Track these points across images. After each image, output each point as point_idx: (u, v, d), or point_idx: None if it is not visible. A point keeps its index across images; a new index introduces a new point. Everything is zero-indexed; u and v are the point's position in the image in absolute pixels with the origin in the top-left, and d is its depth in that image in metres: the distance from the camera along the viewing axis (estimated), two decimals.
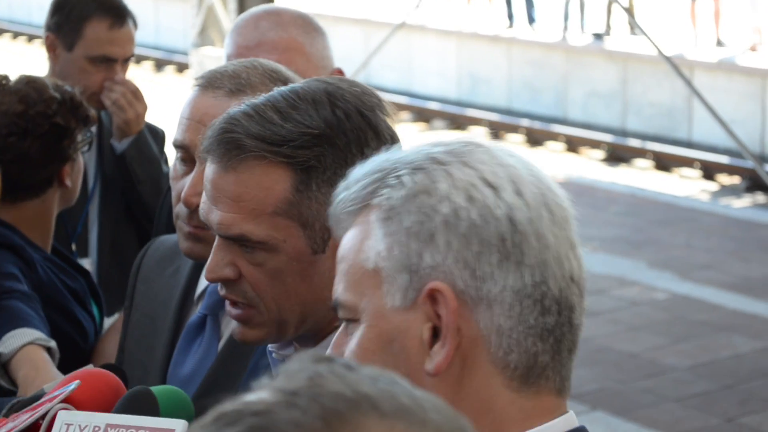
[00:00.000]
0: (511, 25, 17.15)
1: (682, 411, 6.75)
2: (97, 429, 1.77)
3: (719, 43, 15.33)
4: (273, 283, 1.94)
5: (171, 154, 4.15)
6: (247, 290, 1.95)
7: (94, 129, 3.92)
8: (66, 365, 2.78)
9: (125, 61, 4.01)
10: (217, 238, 1.97)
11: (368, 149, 1.87)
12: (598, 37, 16.24)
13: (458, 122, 15.22)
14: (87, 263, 3.71)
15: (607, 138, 14.22)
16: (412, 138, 12.19)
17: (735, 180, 12.69)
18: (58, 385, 1.93)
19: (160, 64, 19.07)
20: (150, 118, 4.11)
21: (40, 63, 4.21)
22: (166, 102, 12.74)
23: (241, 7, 11.43)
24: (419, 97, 16.51)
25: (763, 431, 6.52)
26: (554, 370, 1.45)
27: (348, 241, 1.49)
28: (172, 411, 1.88)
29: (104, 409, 1.85)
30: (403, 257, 1.42)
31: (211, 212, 1.95)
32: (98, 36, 3.95)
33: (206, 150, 1.95)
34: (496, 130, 14.78)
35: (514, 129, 14.83)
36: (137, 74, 15.41)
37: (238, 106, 1.95)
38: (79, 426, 1.79)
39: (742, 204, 11.98)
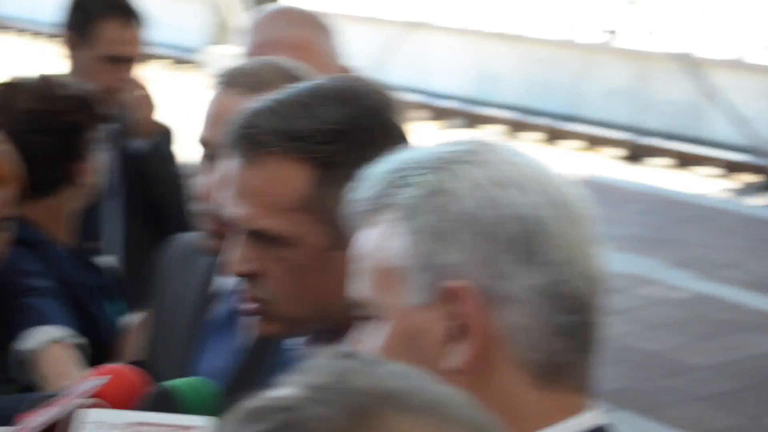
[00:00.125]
0: (525, 23, 17.14)
1: (706, 410, 6.74)
2: (122, 426, 1.77)
3: (735, 41, 15.29)
4: (292, 278, 1.95)
5: (189, 151, 4.18)
6: (267, 285, 1.96)
7: (113, 127, 3.95)
8: (89, 363, 2.77)
9: (134, 60, 4.06)
10: (239, 233, 1.98)
11: (385, 146, 1.85)
12: (614, 34, 16.21)
13: (474, 120, 15.22)
14: (109, 261, 3.72)
15: (625, 136, 14.20)
16: (429, 136, 12.18)
17: (754, 178, 12.66)
18: (86, 380, 1.93)
19: (174, 63, 19.13)
20: (164, 116, 4.14)
21: (59, 62, 4.24)
22: (180, 100, 12.74)
23: (256, 5, 11.44)
24: (434, 96, 16.52)
25: None
26: (575, 368, 1.45)
27: (366, 240, 1.49)
28: (197, 402, 1.89)
29: (129, 406, 1.85)
30: (423, 256, 1.43)
31: (233, 207, 1.97)
32: (110, 36, 4.03)
33: (228, 145, 1.97)
34: (513, 129, 14.78)
35: (531, 127, 14.82)
36: (153, 72, 15.44)
37: (259, 101, 1.97)
38: (105, 423, 1.79)
39: (762, 202, 11.96)
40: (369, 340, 1.48)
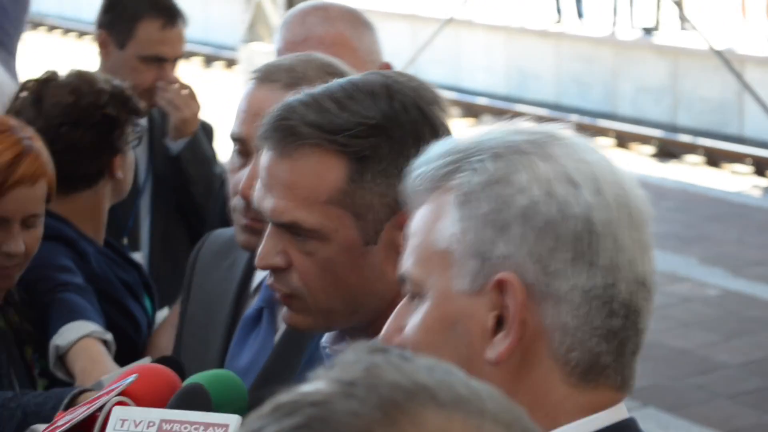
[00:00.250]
0: (559, 20, 17.08)
1: (735, 408, 6.70)
2: (151, 424, 1.78)
3: None
4: (322, 273, 1.94)
5: (223, 148, 4.19)
6: (295, 280, 1.95)
7: (144, 123, 3.96)
8: (119, 358, 2.80)
9: (175, 60, 4.03)
10: (269, 225, 1.97)
11: (424, 143, 1.83)
12: (647, 31, 16.13)
13: (506, 118, 15.12)
14: (138, 257, 3.73)
15: (657, 133, 14.13)
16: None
17: None
18: (117, 378, 1.94)
19: (209, 60, 19.14)
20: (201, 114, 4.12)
21: (90, 60, 4.25)
22: (215, 98, 12.78)
23: (290, 2, 11.45)
24: (467, 93, 16.48)
25: None
26: (616, 370, 1.44)
27: (421, 217, 1.48)
28: (224, 396, 1.88)
29: (160, 404, 1.85)
30: (476, 243, 1.42)
31: (264, 199, 1.96)
32: (150, 36, 3.99)
33: (262, 137, 1.96)
34: None
35: (562, 124, 14.72)
36: (186, 70, 15.47)
37: (296, 95, 1.96)
38: (134, 421, 1.79)
39: None
40: (410, 317, 1.48)
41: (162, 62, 4.01)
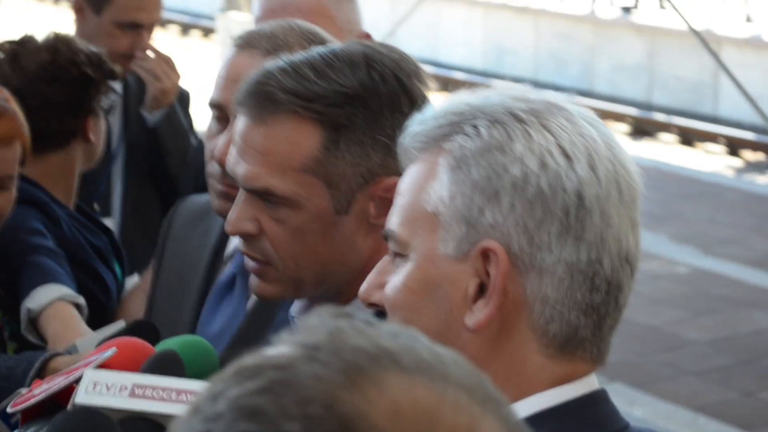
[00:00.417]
0: None
1: (701, 385, 6.75)
2: (123, 388, 1.77)
3: (748, 19, 15.23)
4: (293, 240, 1.94)
5: (200, 116, 4.18)
6: (266, 247, 1.95)
7: (120, 90, 3.95)
8: (89, 323, 2.79)
9: (152, 27, 4.01)
10: (241, 191, 1.97)
11: (401, 114, 1.86)
12: (626, 10, 16.15)
13: None
14: (109, 223, 3.73)
15: (633, 111, 14.17)
16: None
17: (760, 156, 12.62)
18: (95, 351, 1.94)
19: (186, 28, 19.06)
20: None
21: (66, 25, 4.23)
22: (191, 66, 12.74)
23: None
24: (445, 67, 16.47)
25: None
26: (592, 343, 1.44)
27: (412, 176, 1.48)
28: (196, 363, 1.89)
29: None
30: (464, 209, 1.42)
31: (237, 165, 1.96)
32: (127, 2, 3.95)
33: (239, 102, 1.95)
34: None
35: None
36: (163, 38, 15.43)
37: (274, 61, 1.95)
38: (106, 384, 1.79)
39: (766, 180, 11.93)
40: (393, 276, 1.47)
41: (138, 28, 3.98)
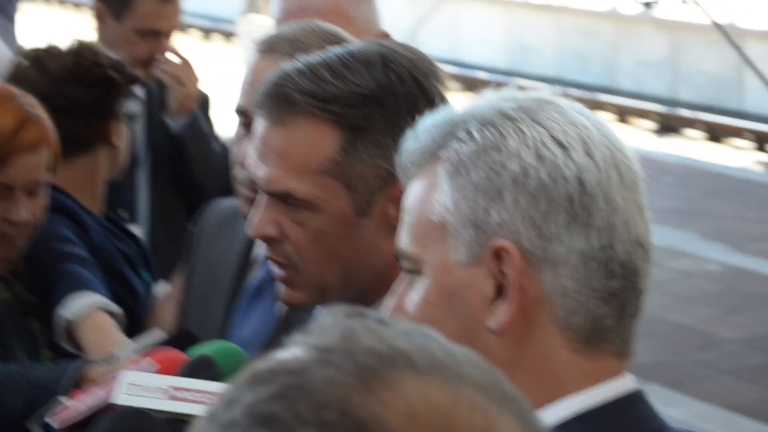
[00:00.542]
0: None
1: (736, 384, 6.71)
2: (162, 391, 1.79)
3: None
4: (314, 244, 1.93)
5: (220, 120, 4.18)
6: (289, 250, 1.94)
7: (142, 96, 3.95)
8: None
9: (171, 33, 4.04)
10: (262, 195, 1.96)
11: (419, 114, 1.83)
12: (648, 5, 16.10)
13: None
14: (135, 230, 3.73)
15: (658, 108, 14.11)
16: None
17: None
18: (135, 361, 1.94)
19: (207, 33, 19.12)
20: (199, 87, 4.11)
21: (88, 32, 4.23)
22: (213, 71, 12.75)
23: None
24: (467, 66, 16.45)
25: None
26: (617, 333, 1.44)
27: (414, 192, 1.48)
28: (229, 368, 1.90)
29: None
30: (469, 213, 1.42)
31: (257, 168, 1.95)
32: (148, 10, 3.99)
33: (257, 105, 1.95)
34: None
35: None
36: (185, 43, 15.44)
37: (291, 63, 1.94)
38: (145, 386, 1.81)
39: None
40: (410, 293, 1.47)
41: (158, 35, 4.01)
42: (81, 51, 3.14)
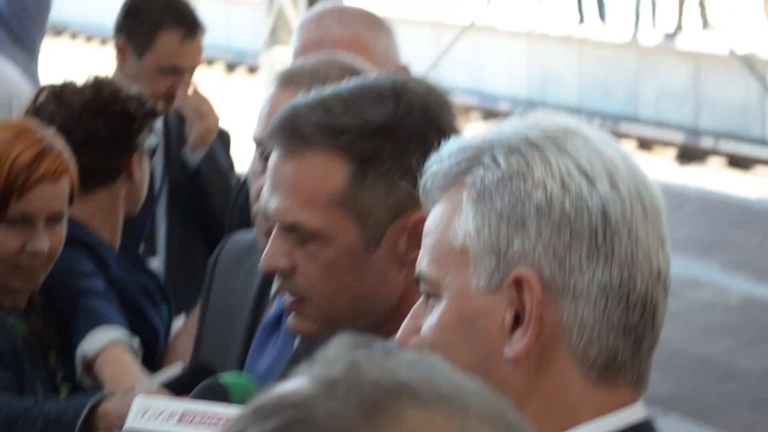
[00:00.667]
0: (582, 20, 17.04)
1: (757, 415, 6.66)
2: (173, 415, 1.79)
3: None
4: (325, 276, 1.93)
5: (243, 155, 4.18)
6: (300, 283, 1.94)
7: (161, 128, 3.96)
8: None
9: (194, 70, 4.06)
10: (275, 227, 1.96)
11: (430, 147, 1.83)
12: (669, 35, 16.09)
13: None
14: (154, 263, 3.74)
15: (680, 137, 14.07)
16: None
17: None
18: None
19: (231, 66, 19.16)
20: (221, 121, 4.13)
21: (111, 68, 4.25)
22: (237, 104, 12.79)
23: (311, 7, 11.45)
24: (490, 97, 16.46)
25: None
26: (633, 366, 1.43)
27: (436, 216, 1.47)
28: (244, 399, 1.90)
29: None
30: (492, 240, 1.41)
31: (270, 199, 1.96)
32: (170, 48, 4.00)
33: (270, 137, 1.96)
34: None
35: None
36: (208, 77, 15.51)
37: (304, 95, 1.96)
38: (156, 411, 1.81)
39: None
40: (427, 316, 1.47)
41: (179, 72, 4.02)
42: (100, 85, 3.16)
